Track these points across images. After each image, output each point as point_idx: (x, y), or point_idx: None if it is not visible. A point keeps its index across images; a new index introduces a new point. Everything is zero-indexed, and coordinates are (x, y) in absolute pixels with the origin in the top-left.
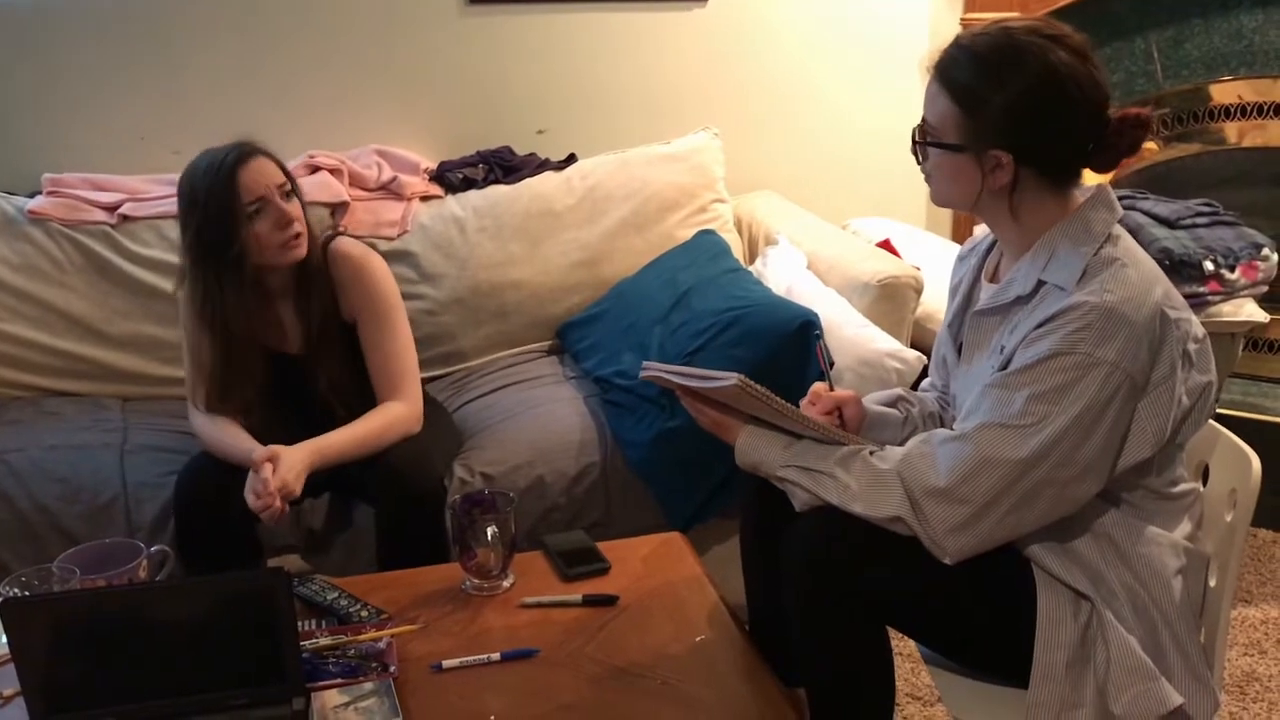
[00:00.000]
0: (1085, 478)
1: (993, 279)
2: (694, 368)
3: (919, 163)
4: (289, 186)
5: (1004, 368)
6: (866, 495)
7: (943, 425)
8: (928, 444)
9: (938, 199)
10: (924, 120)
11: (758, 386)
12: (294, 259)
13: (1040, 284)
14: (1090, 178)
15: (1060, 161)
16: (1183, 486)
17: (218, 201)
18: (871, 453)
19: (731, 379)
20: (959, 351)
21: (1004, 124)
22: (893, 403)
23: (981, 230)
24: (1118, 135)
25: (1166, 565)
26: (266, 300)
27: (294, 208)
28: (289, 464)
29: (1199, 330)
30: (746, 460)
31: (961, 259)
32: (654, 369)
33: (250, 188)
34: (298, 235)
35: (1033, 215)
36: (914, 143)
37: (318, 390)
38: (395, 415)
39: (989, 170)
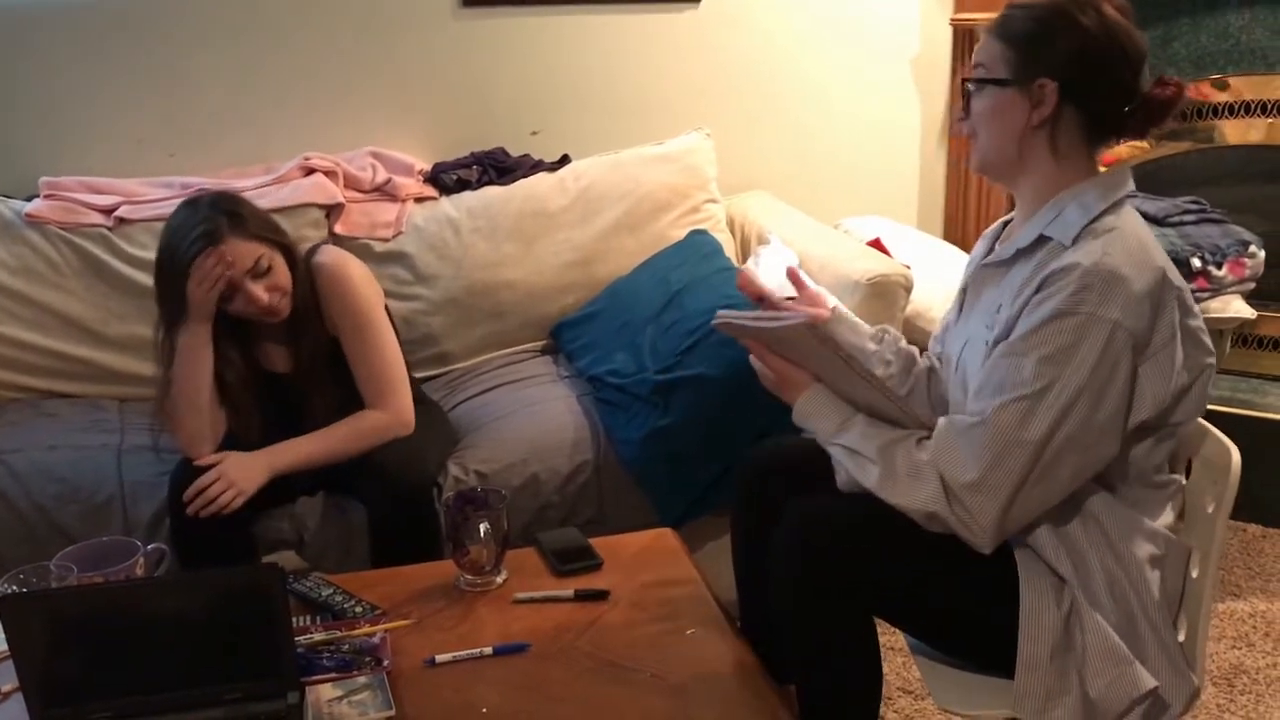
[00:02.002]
0: (1104, 439)
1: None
2: (763, 312)
3: (965, 120)
4: (264, 261)
5: (1008, 332)
6: (904, 486)
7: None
8: (952, 431)
9: (983, 147)
10: (975, 66)
11: (825, 331)
12: (271, 322)
13: (1040, 239)
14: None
15: (1101, 112)
16: (1165, 476)
17: (178, 290)
18: (918, 441)
19: (799, 318)
20: (960, 311)
21: (1054, 60)
22: (878, 337)
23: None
24: (1152, 98)
25: (1145, 551)
26: (254, 331)
27: (269, 280)
28: (234, 463)
29: (1196, 307)
30: (801, 421)
31: (985, 238)
32: (726, 316)
33: None
34: (271, 308)
35: (1069, 164)
36: (964, 92)
37: (307, 418)
38: (369, 424)
39: (1034, 103)
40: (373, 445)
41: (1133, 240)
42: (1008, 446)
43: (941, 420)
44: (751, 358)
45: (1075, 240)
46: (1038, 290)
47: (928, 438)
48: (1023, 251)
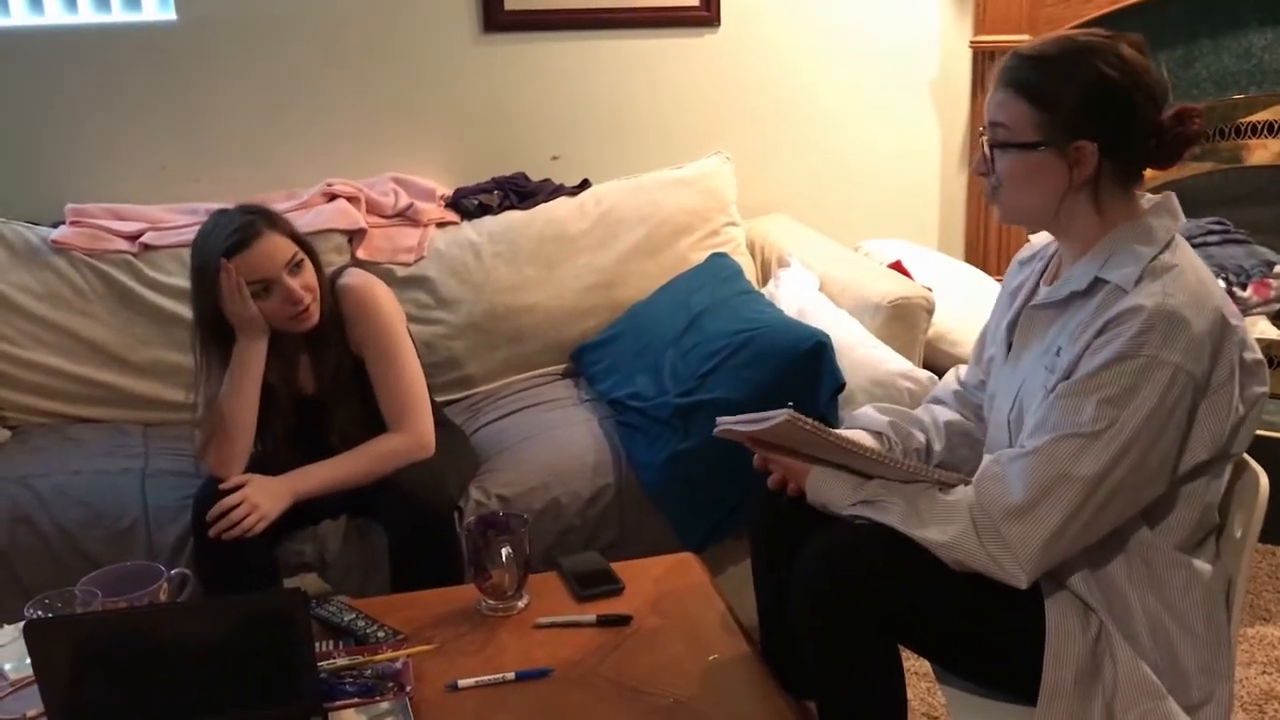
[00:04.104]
0: (1155, 481)
1: (1051, 282)
2: (752, 414)
3: (986, 175)
4: (299, 256)
5: (1068, 375)
6: (930, 521)
7: (930, 457)
8: (998, 464)
9: (1012, 209)
10: (994, 126)
11: (807, 420)
12: (303, 329)
13: (1097, 282)
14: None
15: (1133, 153)
16: (1215, 515)
17: (215, 293)
18: (942, 488)
19: (782, 414)
20: (1009, 350)
21: (1082, 114)
22: (879, 433)
23: (1039, 238)
24: (1175, 128)
25: (1198, 591)
26: (278, 349)
27: (302, 278)
28: (257, 487)
29: (1253, 340)
30: (816, 499)
31: (1022, 263)
32: (725, 423)
33: (251, 271)
34: (307, 307)
35: (1112, 213)
36: (986, 150)
37: (330, 433)
38: (388, 448)
39: (1073, 164)
40: (394, 468)
41: (1193, 279)
42: (1058, 479)
43: (987, 457)
44: (755, 462)
45: (1136, 283)
46: (1100, 333)
47: (952, 487)
48: (1077, 294)
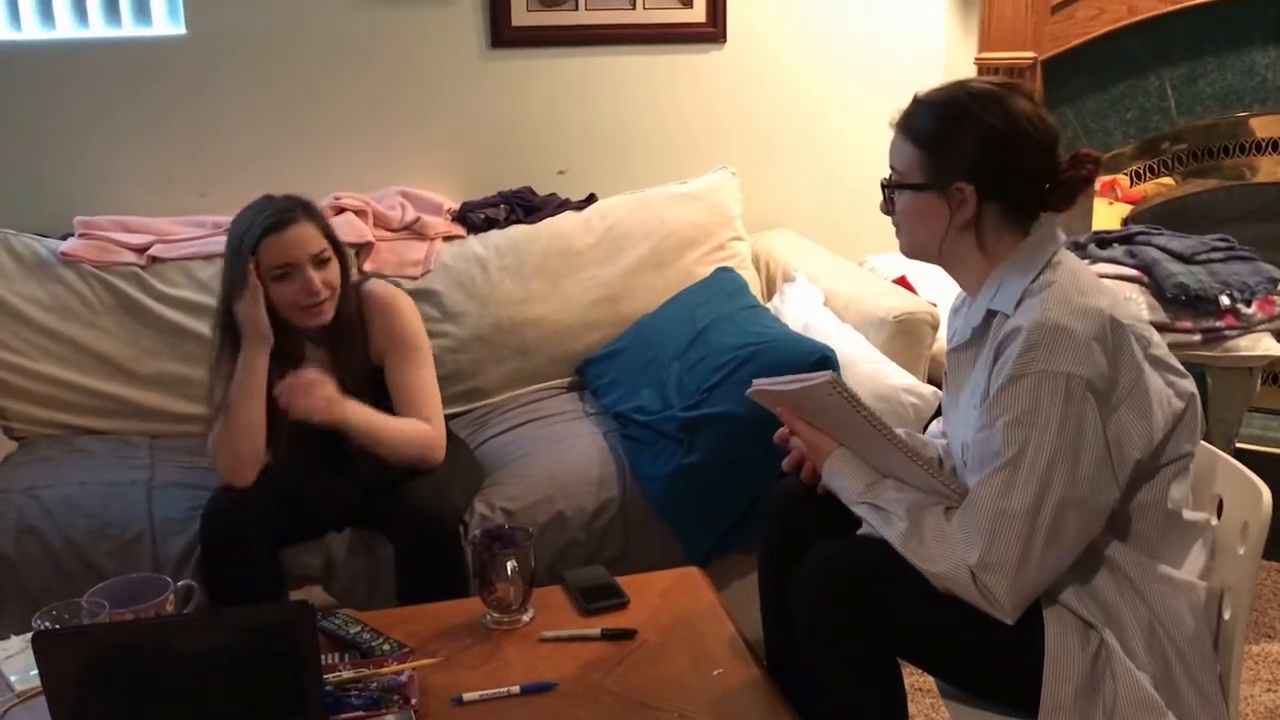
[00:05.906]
0: (1098, 490)
1: None
2: (791, 375)
3: (889, 213)
4: (327, 254)
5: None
6: (929, 551)
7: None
8: (959, 515)
9: (907, 245)
10: (891, 170)
11: (846, 387)
12: (316, 324)
13: (989, 314)
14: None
15: (1019, 198)
16: (1191, 516)
17: (243, 264)
18: (947, 509)
19: (823, 376)
20: (950, 396)
21: (966, 161)
22: None
23: None
24: (1070, 173)
25: (1180, 600)
26: (298, 347)
27: (325, 274)
28: (327, 389)
29: (1158, 338)
30: (830, 482)
31: (955, 311)
32: (760, 384)
33: (277, 254)
34: (321, 302)
35: (997, 253)
36: (883, 190)
37: (344, 442)
38: (420, 429)
39: (955, 206)
40: (411, 453)
41: (1071, 289)
42: (997, 518)
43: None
44: (776, 435)
45: (1017, 306)
46: (994, 361)
47: (956, 507)
48: (978, 330)
